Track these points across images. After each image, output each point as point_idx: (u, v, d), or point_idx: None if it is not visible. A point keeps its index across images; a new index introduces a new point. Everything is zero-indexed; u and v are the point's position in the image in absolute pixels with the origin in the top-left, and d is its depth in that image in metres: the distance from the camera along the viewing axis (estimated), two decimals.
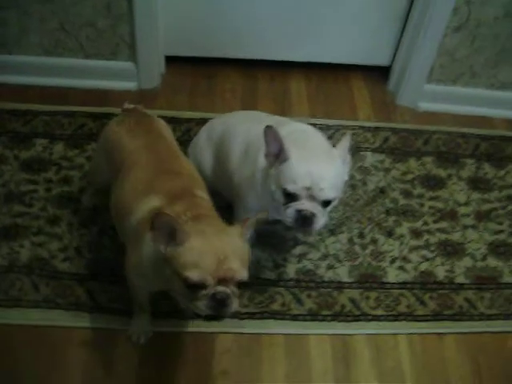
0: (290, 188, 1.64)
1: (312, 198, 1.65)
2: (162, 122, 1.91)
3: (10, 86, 2.60)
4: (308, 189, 1.63)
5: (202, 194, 1.63)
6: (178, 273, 1.34)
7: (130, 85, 2.65)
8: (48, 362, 1.79)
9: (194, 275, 1.31)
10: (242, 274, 1.37)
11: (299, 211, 1.65)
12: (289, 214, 1.67)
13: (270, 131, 1.66)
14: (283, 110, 2.64)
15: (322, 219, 1.68)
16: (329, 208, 1.70)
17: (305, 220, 1.66)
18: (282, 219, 1.73)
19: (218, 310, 1.35)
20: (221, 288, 1.34)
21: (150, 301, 1.80)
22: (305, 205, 1.65)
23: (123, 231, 1.68)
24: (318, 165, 1.65)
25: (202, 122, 2.20)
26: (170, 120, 2.36)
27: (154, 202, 1.55)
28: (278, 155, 1.67)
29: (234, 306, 1.38)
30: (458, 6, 2.45)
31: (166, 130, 1.88)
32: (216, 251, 1.33)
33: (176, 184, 1.60)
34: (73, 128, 2.45)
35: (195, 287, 1.33)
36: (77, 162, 2.31)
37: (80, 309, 1.91)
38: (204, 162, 2.07)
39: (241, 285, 1.38)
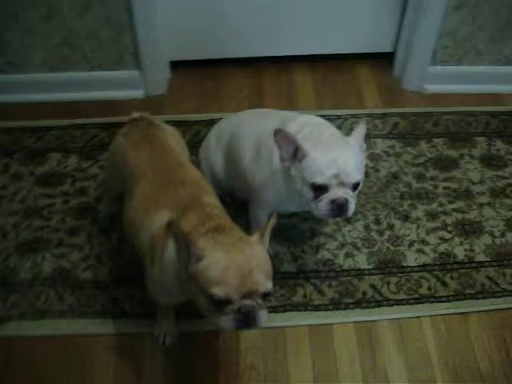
0: (319, 180, 1.63)
1: (341, 184, 1.65)
2: (169, 130, 1.90)
3: (21, 104, 2.64)
4: (336, 176, 1.63)
5: (211, 200, 1.61)
6: (203, 289, 1.32)
7: (137, 93, 2.68)
8: (78, 371, 1.82)
9: (218, 292, 1.30)
10: (267, 286, 1.35)
11: (333, 201, 1.65)
12: (322, 206, 1.67)
13: (280, 135, 1.65)
14: (290, 104, 2.64)
15: (353, 203, 1.69)
16: (356, 191, 1.70)
17: (340, 208, 1.66)
18: (313, 213, 1.72)
19: (244, 322, 1.34)
20: (246, 302, 1.32)
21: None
22: (337, 193, 1.65)
23: (137, 247, 1.67)
24: (338, 152, 1.65)
25: (211, 123, 2.20)
26: (179, 124, 2.39)
27: (165, 217, 1.52)
28: (294, 155, 1.67)
29: (263, 318, 1.36)
30: None
31: (172, 138, 1.85)
32: (239, 265, 1.31)
33: (183, 194, 1.59)
34: (85, 140, 2.49)
35: (220, 303, 1.32)
36: (91, 172, 2.35)
37: (105, 316, 1.93)
38: (216, 164, 2.08)
39: (266, 296, 1.36)
